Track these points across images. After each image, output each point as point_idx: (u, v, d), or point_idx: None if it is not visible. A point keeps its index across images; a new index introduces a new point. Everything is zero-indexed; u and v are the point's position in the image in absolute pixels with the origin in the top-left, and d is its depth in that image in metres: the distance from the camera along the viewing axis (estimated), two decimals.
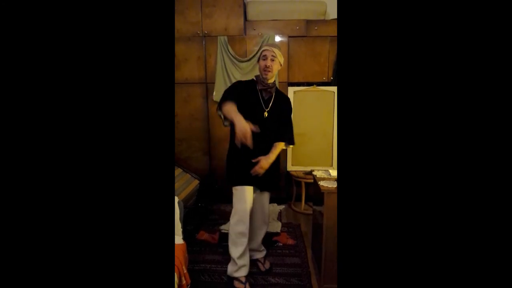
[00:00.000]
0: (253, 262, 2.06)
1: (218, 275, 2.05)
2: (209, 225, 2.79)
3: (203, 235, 2.56)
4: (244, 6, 3.02)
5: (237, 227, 1.85)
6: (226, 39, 2.95)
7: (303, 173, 3.01)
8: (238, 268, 1.89)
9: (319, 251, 1.97)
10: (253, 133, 1.60)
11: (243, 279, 1.90)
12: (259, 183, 1.89)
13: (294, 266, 2.15)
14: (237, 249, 1.87)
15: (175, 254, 1.56)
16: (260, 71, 1.82)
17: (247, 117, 1.67)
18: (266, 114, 1.84)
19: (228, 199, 3.19)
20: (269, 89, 1.85)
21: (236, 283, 1.90)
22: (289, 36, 2.97)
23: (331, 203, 1.78)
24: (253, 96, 1.84)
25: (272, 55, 1.76)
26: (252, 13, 3.05)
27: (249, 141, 1.55)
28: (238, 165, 1.85)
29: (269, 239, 2.39)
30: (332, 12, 3.15)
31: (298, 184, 3.10)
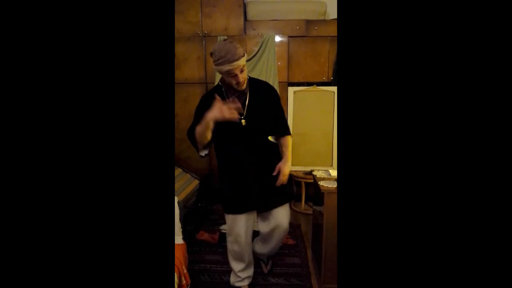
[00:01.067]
0: (257, 262, 2.02)
1: (218, 275, 2.05)
2: (209, 225, 2.79)
3: (203, 235, 2.56)
4: (244, 6, 3.02)
5: (233, 247, 1.77)
6: (226, 39, 2.95)
7: (303, 173, 3.01)
8: (241, 280, 1.86)
9: (319, 251, 1.97)
10: (237, 149, 1.55)
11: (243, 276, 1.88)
12: (263, 204, 1.68)
13: (294, 266, 2.15)
14: (238, 264, 1.83)
15: (175, 254, 1.56)
16: (230, 85, 1.54)
17: (223, 136, 1.54)
18: (243, 122, 1.56)
19: None
20: (243, 92, 1.58)
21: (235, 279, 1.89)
22: (289, 36, 2.98)
23: (331, 203, 1.78)
24: None
25: (241, 69, 1.48)
26: (252, 13, 3.05)
27: (234, 112, 1.38)
28: (232, 192, 1.65)
29: None
30: (332, 12, 3.15)
31: (298, 184, 3.10)
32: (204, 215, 2.97)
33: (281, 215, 1.71)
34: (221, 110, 1.38)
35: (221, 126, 1.51)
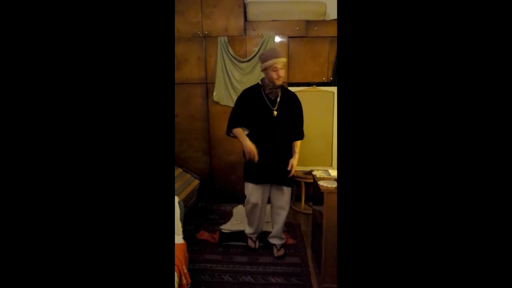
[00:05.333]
0: (270, 246, 2.35)
1: (218, 274, 2.06)
2: (209, 224, 2.79)
3: (203, 235, 2.56)
4: (244, 7, 3.02)
5: (251, 213, 2.26)
6: (226, 39, 2.95)
7: (302, 173, 3.01)
8: (252, 233, 2.35)
9: (318, 250, 1.97)
10: (266, 133, 2.06)
11: (254, 239, 2.37)
12: (271, 180, 2.16)
13: (294, 266, 2.15)
14: (251, 226, 2.32)
15: (176, 254, 1.57)
16: (271, 79, 2.02)
17: (258, 121, 2.07)
18: (275, 113, 2.06)
19: (228, 199, 3.22)
20: (275, 90, 2.07)
21: (249, 240, 2.38)
22: (289, 37, 2.98)
23: (330, 203, 1.79)
24: (260, 101, 2.08)
25: (283, 65, 1.99)
26: (252, 14, 3.05)
27: (255, 158, 2.04)
28: (253, 167, 2.12)
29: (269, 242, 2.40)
30: (331, 13, 3.15)
31: (298, 184, 3.10)
32: (204, 215, 2.97)
33: (282, 190, 2.19)
34: (250, 154, 2.05)
35: (257, 114, 2.07)
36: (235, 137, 2.15)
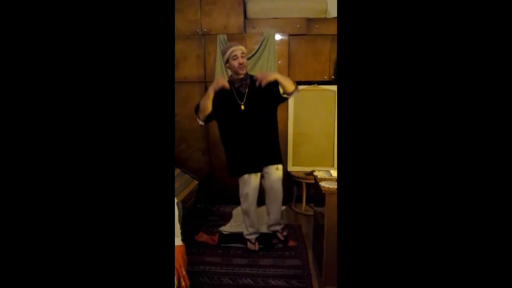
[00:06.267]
0: (273, 234, 2.40)
1: (218, 277, 2.02)
2: (208, 226, 2.76)
3: (202, 237, 2.53)
4: (244, 4, 2.99)
5: (243, 205, 2.29)
6: (225, 37, 2.91)
7: (303, 173, 2.98)
8: (250, 233, 2.33)
9: (320, 252, 1.95)
10: (238, 128, 2.07)
11: (253, 240, 2.34)
12: (258, 165, 2.17)
13: (295, 268, 2.12)
14: (248, 219, 2.31)
15: (174, 256, 1.53)
16: (234, 69, 2.05)
17: (228, 118, 2.09)
18: (242, 107, 2.07)
19: (227, 200, 3.18)
20: (244, 83, 2.07)
21: (248, 243, 2.35)
22: (290, 35, 2.94)
23: (332, 204, 1.76)
24: (229, 97, 2.07)
25: (242, 53, 2.00)
26: (252, 11, 3.01)
27: (225, 85, 1.94)
28: (235, 159, 2.17)
29: (268, 240, 2.38)
30: (333, 11, 3.12)
31: (299, 184, 3.06)
32: (203, 216, 2.93)
33: (273, 172, 2.22)
34: (217, 82, 1.94)
35: (227, 111, 2.07)
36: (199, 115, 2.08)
